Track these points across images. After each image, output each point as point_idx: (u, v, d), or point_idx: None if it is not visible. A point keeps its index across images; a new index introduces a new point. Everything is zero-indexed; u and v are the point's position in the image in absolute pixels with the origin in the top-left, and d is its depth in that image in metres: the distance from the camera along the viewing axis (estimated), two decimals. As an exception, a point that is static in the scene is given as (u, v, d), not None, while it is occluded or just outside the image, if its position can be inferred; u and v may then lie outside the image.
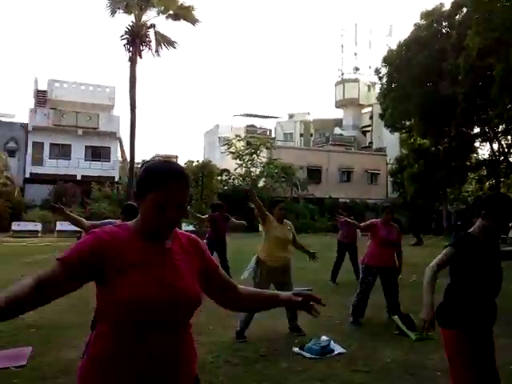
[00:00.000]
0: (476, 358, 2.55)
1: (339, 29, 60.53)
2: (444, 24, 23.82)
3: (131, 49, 21.69)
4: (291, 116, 56.73)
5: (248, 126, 41.75)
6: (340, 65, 58.24)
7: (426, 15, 24.43)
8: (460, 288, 2.68)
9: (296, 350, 4.72)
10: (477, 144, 29.89)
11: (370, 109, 47.86)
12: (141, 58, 21.82)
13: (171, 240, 1.52)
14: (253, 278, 5.26)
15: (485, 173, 29.61)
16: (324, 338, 4.91)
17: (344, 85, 52.50)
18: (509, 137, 27.61)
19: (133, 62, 21.70)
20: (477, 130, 28.06)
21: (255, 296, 1.78)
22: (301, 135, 53.22)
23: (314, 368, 4.27)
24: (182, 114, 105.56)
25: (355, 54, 53.44)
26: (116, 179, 30.17)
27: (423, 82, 24.13)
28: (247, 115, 44.59)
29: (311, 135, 52.92)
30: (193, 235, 1.66)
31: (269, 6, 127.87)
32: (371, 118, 46.90)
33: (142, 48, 21.57)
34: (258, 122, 45.56)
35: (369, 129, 50.11)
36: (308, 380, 3.99)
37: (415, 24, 25.30)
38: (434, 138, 27.74)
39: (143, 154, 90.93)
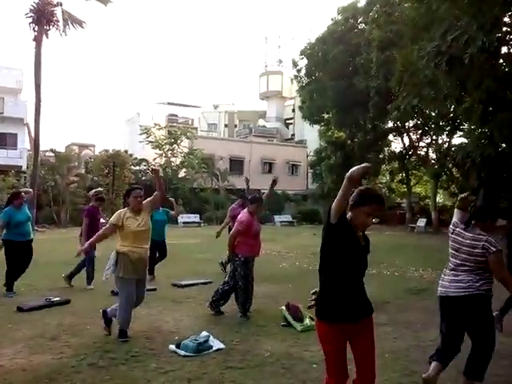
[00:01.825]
0: (332, 348, 2.58)
1: (264, 21, 60.68)
2: (359, 20, 24.51)
3: (37, 28, 20.15)
4: (216, 106, 56.25)
5: (170, 115, 40.71)
6: (264, 57, 58.56)
7: (342, 10, 25.01)
8: (326, 273, 2.63)
9: (172, 347, 4.45)
10: (391, 137, 31.30)
11: (292, 101, 48.56)
12: (47, 38, 20.34)
13: None
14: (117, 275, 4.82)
15: (397, 165, 31.04)
16: (204, 333, 4.68)
17: (268, 77, 52.81)
18: (419, 131, 29.09)
19: (38, 42, 20.15)
20: (391, 124, 29.31)
21: None
22: (225, 126, 53.03)
23: (185, 367, 4.02)
24: (102, 102, 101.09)
25: (279, 47, 53.81)
26: (23, 168, 28.13)
27: (339, 75, 24.72)
28: (169, 104, 43.51)
29: (235, 126, 52.87)
30: None
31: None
32: (294, 110, 47.61)
33: (48, 27, 20.09)
34: (180, 112, 44.56)
35: (292, 121, 50.92)
36: (174, 381, 3.73)
37: (332, 19, 25.84)
38: (349, 130, 28.61)
39: (58, 142, 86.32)
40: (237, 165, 37.44)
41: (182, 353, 4.31)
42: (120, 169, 18.93)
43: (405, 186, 31.38)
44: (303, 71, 27.57)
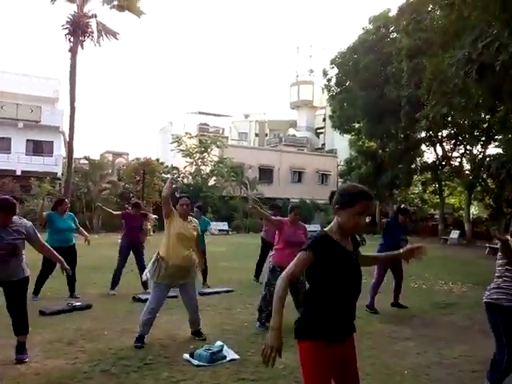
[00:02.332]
0: (315, 370, 2.32)
1: (296, 30, 60.90)
2: (391, 29, 24.23)
3: (72, 39, 20.84)
4: (247, 116, 56.61)
5: (201, 124, 41.20)
6: (295, 66, 58.60)
7: (373, 20, 24.79)
8: (315, 294, 2.40)
9: (186, 356, 4.41)
10: (423, 148, 30.67)
11: (323, 111, 48.37)
12: (82, 48, 21.05)
13: None
14: (151, 278, 4.89)
15: (429, 176, 30.36)
16: (218, 343, 4.62)
17: (299, 86, 52.87)
18: (453, 141, 28.41)
19: (73, 52, 20.85)
20: (423, 134, 28.72)
21: None
22: (256, 135, 53.21)
23: (196, 377, 3.97)
24: (137, 111, 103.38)
25: (310, 57, 53.80)
26: (59, 175, 28.94)
27: (370, 85, 24.44)
28: (200, 113, 44.05)
29: (266, 135, 53.02)
30: None
31: (229, 3, 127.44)
32: (324, 119, 47.40)
33: (83, 39, 20.75)
34: (211, 121, 45.07)
35: (322, 131, 50.70)
36: (184, 391, 3.68)
37: (363, 28, 25.64)
38: (380, 140, 28.21)
39: (93, 150, 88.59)
40: (266, 174, 37.49)
41: (196, 362, 4.26)
42: (150, 176, 19.19)
43: (437, 196, 30.66)
44: (333, 80, 27.42)
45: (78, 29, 20.47)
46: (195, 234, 5.06)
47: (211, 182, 31.72)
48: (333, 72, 27.22)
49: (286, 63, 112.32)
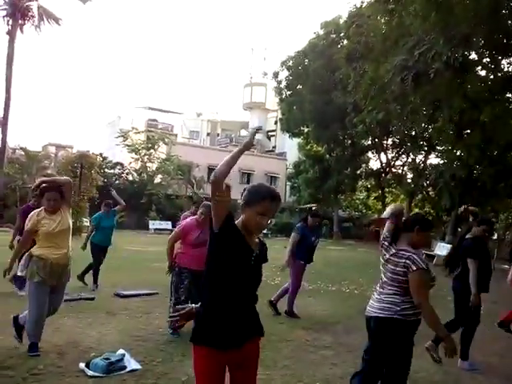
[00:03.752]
0: (205, 379, 2.15)
1: (251, 32, 60.89)
2: (341, 35, 24.47)
3: (11, 22, 19.65)
4: (199, 114, 55.89)
5: (149, 120, 40.22)
6: (249, 68, 58.50)
7: (324, 25, 25.00)
8: (209, 289, 2.21)
9: (81, 366, 4.01)
10: (370, 155, 31.34)
11: (275, 114, 48.50)
12: (22, 32, 19.89)
13: None
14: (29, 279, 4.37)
15: (373, 182, 31.04)
16: (120, 351, 4.26)
17: (252, 88, 52.76)
18: (396, 149, 29.18)
19: (12, 36, 19.67)
20: (369, 141, 29.32)
21: None
22: (207, 134, 52.69)
23: (86, 390, 3.59)
24: (85, 103, 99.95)
25: (264, 59, 53.89)
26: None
27: (318, 90, 24.62)
28: (150, 108, 43.03)
29: (218, 135, 52.58)
30: None
31: (184, 2, 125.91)
32: (276, 122, 47.54)
33: (23, 22, 19.60)
34: (161, 118, 44.11)
35: (274, 133, 50.84)
36: (66, 406, 3.29)
37: (314, 32, 25.83)
38: (327, 145, 28.56)
39: (34, 142, 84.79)
40: (215, 173, 37.04)
41: (90, 373, 3.87)
42: (88, 171, 18.36)
43: (381, 203, 31.39)
44: (284, 83, 27.45)
45: (17, 11, 19.32)
46: (67, 225, 4.44)
47: (157, 180, 30.97)
48: (283, 75, 27.25)
49: (240, 64, 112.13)
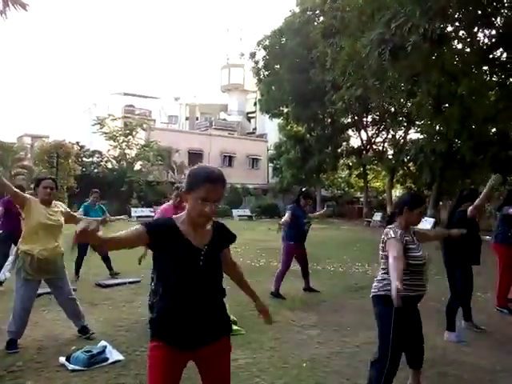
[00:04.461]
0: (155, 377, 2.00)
1: (226, 12, 59.90)
2: (317, 12, 24.11)
3: (-25, 8, 18.84)
4: (177, 99, 55.10)
5: (126, 106, 39.50)
6: (226, 49, 57.68)
7: (300, 2, 24.59)
8: (157, 286, 2.07)
9: (62, 360, 3.89)
10: (351, 133, 31.29)
11: (254, 95, 48.04)
12: (-13, 19, 19.09)
13: None
14: (16, 274, 4.27)
15: (355, 160, 31.08)
16: (101, 343, 4.15)
17: (229, 69, 52.11)
18: (376, 126, 29.20)
19: (-23, 23, 18.92)
20: (349, 119, 29.24)
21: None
22: (186, 119, 52.02)
23: (68, 384, 3.48)
24: (60, 92, 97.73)
25: (240, 39, 52.95)
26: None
27: (296, 68, 24.32)
28: (126, 94, 42.24)
29: (197, 119, 51.98)
30: None
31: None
32: (255, 104, 47.11)
33: (-13, 8, 18.83)
34: (139, 103, 43.37)
35: (254, 115, 50.44)
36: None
37: (290, 10, 25.42)
38: (308, 125, 28.40)
39: (9, 133, 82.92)
40: (196, 158, 36.65)
41: (71, 367, 3.76)
42: (65, 160, 17.94)
43: (362, 180, 31.53)
44: (261, 63, 27.08)
45: (-20, -3, 18.52)
46: (62, 220, 4.40)
47: (137, 167, 30.53)
48: (260, 55, 26.86)
49: (216, 45, 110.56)
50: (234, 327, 4.87)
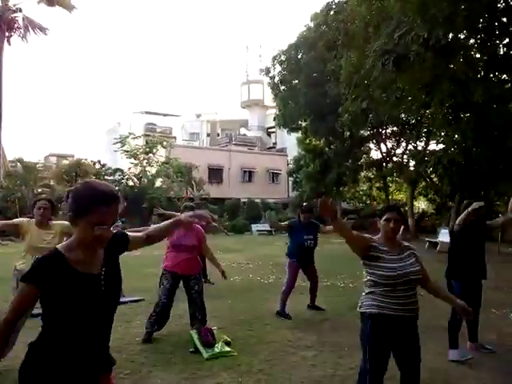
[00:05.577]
0: None
1: (245, 30, 60.59)
2: (332, 26, 24.05)
3: (-2, 35, 19.61)
4: (198, 116, 55.76)
5: (147, 124, 40.16)
6: (245, 66, 58.17)
7: (314, 17, 24.63)
8: (47, 330, 1.85)
9: None
10: (371, 146, 30.92)
11: (274, 110, 48.16)
12: (9, 44, 19.84)
13: None
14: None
15: (375, 173, 30.68)
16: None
17: (249, 86, 52.54)
18: (396, 138, 28.77)
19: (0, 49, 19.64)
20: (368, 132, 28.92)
21: None
22: (207, 135, 52.54)
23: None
24: (84, 112, 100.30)
25: (260, 56, 53.46)
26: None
27: (312, 82, 24.26)
28: (147, 113, 42.95)
29: (218, 135, 52.43)
30: None
31: (178, 3, 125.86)
32: (275, 119, 47.24)
33: (9, 34, 19.54)
34: (160, 121, 44.03)
35: (274, 130, 50.57)
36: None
37: (305, 25, 25.47)
38: (325, 138, 28.24)
39: (35, 153, 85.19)
40: (216, 173, 37.04)
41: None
42: (82, 179, 18.25)
43: (384, 193, 31.04)
44: (277, 78, 27.14)
45: (2, 23, 19.24)
46: (56, 241, 4.19)
47: (158, 184, 30.89)
48: (276, 70, 26.92)
49: (236, 63, 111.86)
50: (226, 348, 4.77)
